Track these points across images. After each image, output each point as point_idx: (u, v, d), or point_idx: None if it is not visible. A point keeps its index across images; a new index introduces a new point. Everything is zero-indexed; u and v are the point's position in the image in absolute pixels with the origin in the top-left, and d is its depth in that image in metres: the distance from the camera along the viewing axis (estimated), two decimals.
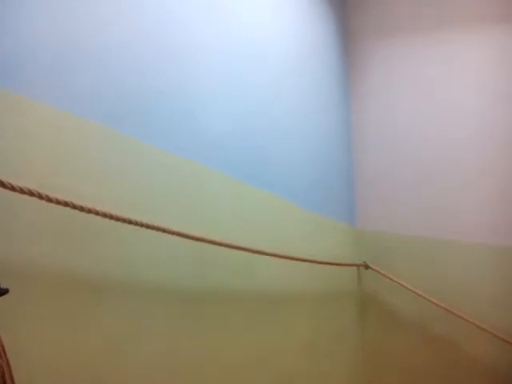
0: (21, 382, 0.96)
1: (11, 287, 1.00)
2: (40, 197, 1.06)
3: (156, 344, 1.44)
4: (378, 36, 2.73)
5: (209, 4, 1.77)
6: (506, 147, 2.35)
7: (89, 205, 1.18)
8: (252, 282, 1.87)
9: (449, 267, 2.42)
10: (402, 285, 2.43)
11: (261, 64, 2.03)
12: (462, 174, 2.44)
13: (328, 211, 2.45)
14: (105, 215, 1.21)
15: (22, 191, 1.03)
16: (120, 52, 1.42)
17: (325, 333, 2.31)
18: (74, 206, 1.13)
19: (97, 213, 1.19)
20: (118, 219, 1.25)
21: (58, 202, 1.10)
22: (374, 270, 2.56)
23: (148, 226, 1.34)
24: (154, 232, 1.38)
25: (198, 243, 1.54)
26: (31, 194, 1.05)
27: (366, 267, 2.60)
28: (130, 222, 1.28)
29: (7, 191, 1.02)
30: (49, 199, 1.08)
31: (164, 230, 1.39)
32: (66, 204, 1.11)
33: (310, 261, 2.12)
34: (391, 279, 2.48)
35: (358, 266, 2.61)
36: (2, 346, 0.90)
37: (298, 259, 2.02)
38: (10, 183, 1.00)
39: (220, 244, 1.61)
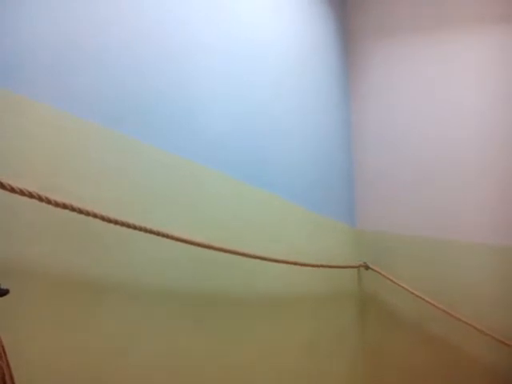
0: (21, 383, 0.97)
1: (11, 288, 1.00)
2: (40, 199, 1.06)
3: (156, 345, 1.44)
4: (378, 36, 2.73)
5: (209, 4, 1.78)
6: (505, 147, 2.35)
7: (88, 207, 1.17)
8: (252, 282, 1.87)
9: (449, 267, 2.42)
10: (401, 286, 2.43)
11: (261, 64, 2.03)
12: (462, 173, 2.44)
13: (328, 211, 2.45)
14: (103, 218, 1.21)
15: (21, 193, 1.03)
16: (120, 52, 1.42)
17: (325, 333, 2.31)
18: (73, 209, 1.13)
19: (95, 215, 1.19)
20: (116, 223, 1.25)
21: (56, 205, 1.10)
22: (374, 271, 2.56)
23: (147, 231, 1.33)
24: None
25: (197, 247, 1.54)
26: (31, 195, 1.05)
27: (366, 268, 2.60)
28: (128, 225, 1.28)
29: (7, 192, 1.02)
30: (48, 201, 1.07)
31: (164, 235, 1.39)
32: (64, 206, 1.11)
33: (311, 265, 2.12)
34: (391, 280, 2.48)
35: (358, 267, 2.60)
36: (2, 347, 0.90)
37: (298, 264, 2.02)
38: (9, 184, 1.00)
39: (219, 249, 1.61)
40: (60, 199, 1.11)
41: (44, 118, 1.20)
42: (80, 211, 1.15)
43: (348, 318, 2.56)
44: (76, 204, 1.14)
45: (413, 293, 2.38)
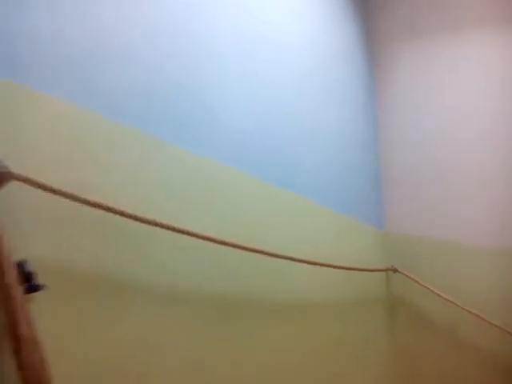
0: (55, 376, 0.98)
1: (46, 284, 1.03)
2: (72, 197, 1.08)
3: (182, 342, 1.45)
4: (402, 37, 2.71)
5: (234, 5, 1.78)
6: None
7: (117, 205, 1.19)
8: (279, 284, 1.86)
9: (475, 271, 2.38)
10: (430, 289, 2.39)
11: (284, 65, 2.02)
12: (488, 176, 2.40)
13: (356, 213, 2.43)
14: (134, 217, 1.23)
15: (53, 191, 1.05)
16: (144, 49, 1.42)
17: (353, 337, 2.29)
18: (109, 209, 1.15)
19: (130, 216, 1.21)
20: (161, 225, 1.26)
21: (89, 203, 1.12)
22: (403, 274, 2.53)
23: (184, 232, 1.35)
24: (184, 235, 1.39)
25: (225, 246, 1.54)
26: (66, 194, 1.07)
27: (395, 271, 2.56)
28: (161, 225, 1.30)
29: (40, 191, 1.04)
30: (76, 199, 1.09)
31: (194, 235, 1.40)
32: (98, 206, 1.13)
33: (338, 267, 2.11)
34: (419, 283, 2.44)
35: (386, 270, 2.57)
36: (38, 342, 0.91)
37: (325, 265, 2.01)
38: (43, 184, 1.02)
39: (246, 249, 1.60)
40: (92, 199, 1.13)
41: (67, 114, 1.21)
42: (115, 211, 1.17)
43: (376, 322, 2.53)
44: (106, 202, 1.16)
45: (441, 296, 2.34)
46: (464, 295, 2.35)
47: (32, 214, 1.10)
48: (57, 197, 1.08)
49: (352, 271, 2.25)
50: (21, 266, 0.98)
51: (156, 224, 1.28)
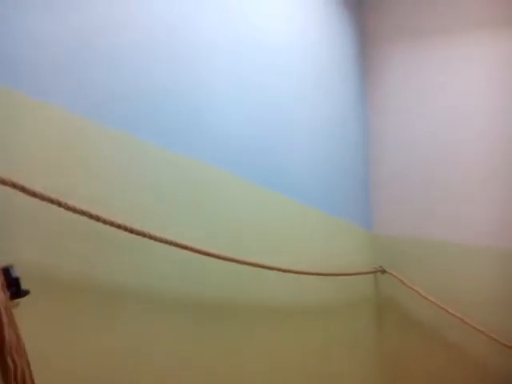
0: None
1: (30, 290, 1.03)
2: (59, 204, 1.09)
3: (170, 349, 1.47)
4: (394, 39, 2.72)
5: (220, 7, 1.75)
6: None
7: (101, 211, 1.20)
8: (267, 287, 1.88)
9: (465, 271, 2.41)
10: (417, 291, 2.42)
11: (274, 67, 2.00)
12: (475, 176, 2.42)
13: (345, 215, 2.45)
14: (116, 225, 1.23)
15: (36, 196, 1.06)
16: (131, 52, 1.41)
17: (340, 337, 2.31)
18: (91, 216, 1.15)
19: (111, 223, 1.21)
20: (130, 231, 1.27)
21: (75, 210, 1.12)
22: (391, 275, 2.55)
23: (157, 239, 1.35)
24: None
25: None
26: (51, 201, 1.08)
27: (383, 272, 2.59)
28: (143, 234, 1.30)
29: (25, 196, 1.05)
30: (68, 207, 1.10)
31: (174, 244, 1.41)
32: (82, 213, 1.14)
33: (328, 274, 2.13)
34: (407, 285, 2.47)
35: (374, 272, 2.59)
36: (23, 347, 0.93)
37: (314, 274, 2.03)
38: (24, 187, 1.03)
39: (230, 260, 1.61)
40: (73, 202, 1.13)
41: (54, 117, 1.21)
42: (98, 219, 1.17)
43: (364, 323, 2.55)
44: (90, 205, 1.17)
45: (427, 298, 2.37)
46: (452, 296, 2.37)
47: (20, 218, 1.11)
48: (45, 202, 1.09)
49: (340, 272, 2.27)
50: (7, 271, 0.99)
51: (144, 235, 1.29)
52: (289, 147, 2.06)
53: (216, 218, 1.68)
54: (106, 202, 1.29)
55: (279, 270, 1.81)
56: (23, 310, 1.04)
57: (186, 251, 1.48)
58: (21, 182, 1.03)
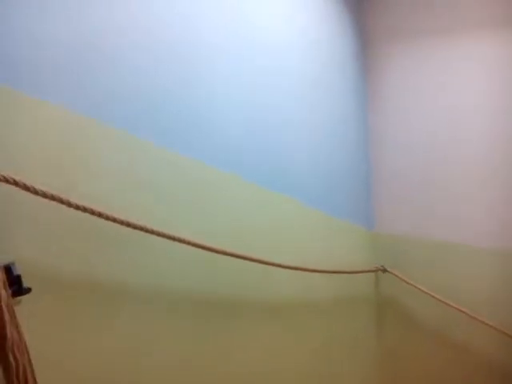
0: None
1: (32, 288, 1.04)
2: (60, 200, 1.10)
3: (170, 347, 1.47)
4: (395, 39, 2.72)
5: (222, 8, 1.76)
6: None
7: (101, 208, 1.20)
8: (267, 286, 1.88)
9: (465, 271, 2.41)
10: (419, 289, 2.42)
11: (274, 67, 2.01)
12: (476, 177, 2.42)
13: (346, 215, 2.45)
14: (119, 221, 1.24)
15: (36, 193, 1.06)
16: (132, 53, 1.42)
17: (341, 336, 2.31)
18: (93, 212, 1.16)
19: (114, 219, 1.22)
20: (134, 227, 1.28)
21: (70, 205, 1.13)
22: (392, 274, 2.56)
23: (160, 234, 1.36)
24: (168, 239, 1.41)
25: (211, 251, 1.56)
26: (52, 197, 1.08)
27: (384, 271, 2.59)
28: (145, 229, 1.31)
29: (24, 193, 1.06)
30: (69, 205, 1.11)
31: (177, 240, 1.41)
32: (83, 208, 1.14)
33: (329, 271, 2.13)
34: (409, 283, 2.47)
35: (375, 270, 2.60)
36: (25, 345, 0.93)
37: (315, 271, 2.03)
38: (24, 183, 1.04)
39: (234, 255, 1.62)
40: (75, 200, 1.14)
41: (54, 117, 1.22)
42: (100, 215, 1.18)
43: (365, 322, 2.55)
44: (90, 204, 1.17)
45: (434, 296, 2.36)
46: (453, 294, 2.37)
47: (21, 217, 1.12)
48: (46, 201, 1.09)
49: (343, 273, 2.27)
50: (8, 269, 0.99)
51: (146, 230, 1.30)
52: (289, 147, 2.06)
53: (216, 218, 1.68)
54: (106, 201, 1.29)
55: (279, 266, 1.81)
56: (24, 308, 1.05)
57: (186, 251, 1.48)
58: (22, 180, 1.03)
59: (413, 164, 2.62)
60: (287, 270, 1.91)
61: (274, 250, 1.86)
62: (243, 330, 1.76)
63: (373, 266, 2.59)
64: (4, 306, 0.90)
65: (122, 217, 1.25)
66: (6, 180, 1.00)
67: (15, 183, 1.01)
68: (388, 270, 2.58)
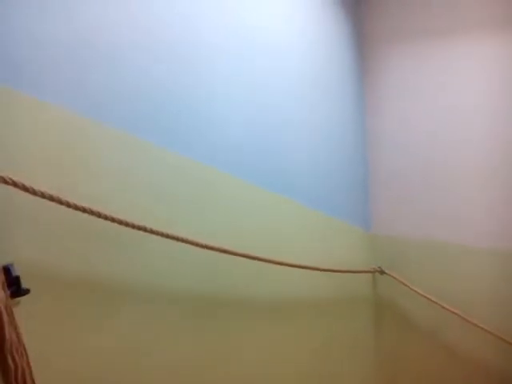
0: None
1: (29, 288, 1.03)
2: (60, 201, 1.09)
3: (169, 346, 1.47)
4: (393, 39, 2.72)
5: (222, 8, 1.75)
6: None
7: (101, 208, 1.20)
8: (266, 286, 1.88)
9: (463, 272, 2.40)
10: (416, 291, 2.41)
11: (273, 68, 2.00)
12: (476, 177, 2.42)
13: (344, 216, 2.45)
14: (121, 222, 1.24)
15: (35, 193, 1.06)
16: (131, 52, 1.41)
17: (339, 337, 2.31)
18: (93, 212, 1.16)
19: (112, 219, 1.22)
20: (132, 226, 1.28)
21: (68, 206, 1.12)
22: (390, 276, 2.55)
23: (162, 235, 1.36)
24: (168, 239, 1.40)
25: (210, 250, 1.55)
26: (51, 198, 1.08)
27: (381, 272, 2.59)
28: (144, 229, 1.31)
29: (23, 194, 1.05)
30: (69, 205, 1.10)
31: (178, 239, 1.41)
32: (84, 210, 1.14)
33: (326, 270, 2.13)
34: (406, 285, 2.46)
35: (373, 272, 2.60)
36: (23, 346, 0.93)
37: (314, 268, 2.03)
38: (23, 184, 1.03)
39: (233, 253, 1.62)
40: (74, 200, 1.14)
41: (54, 117, 1.21)
42: (99, 216, 1.18)
43: (362, 323, 2.55)
44: (90, 205, 1.17)
45: (429, 298, 2.36)
46: (453, 295, 2.37)
47: (20, 217, 1.11)
48: (45, 201, 1.09)
49: (340, 273, 2.27)
50: (7, 270, 0.99)
51: (146, 230, 1.29)
52: (288, 147, 2.06)
53: (216, 219, 1.68)
54: (105, 201, 1.29)
55: (279, 263, 1.82)
56: (23, 309, 1.04)
57: (185, 251, 1.48)
58: (21, 181, 1.03)
59: (412, 165, 2.62)
60: (287, 271, 1.91)
61: (272, 251, 1.86)
62: (243, 330, 1.76)
63: (370, 267, 2.58)
64: (2, 307, 0.90)
65: (122, 217, 1.25)
66: (5, 181, 0.99)
67: (14, 184, 1.01)
68: (386, 271, 2.57)
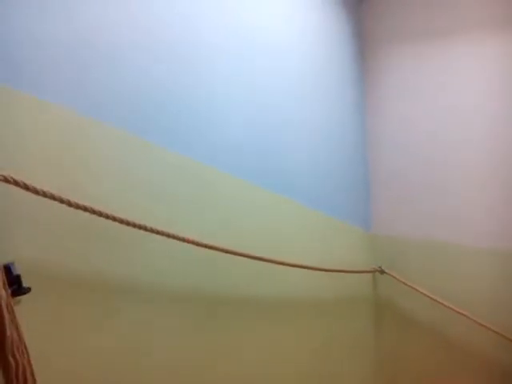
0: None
1: (31, 287, 1.04)
2: (61, 200, 1.10)
3: (170, 345, 1.47)
4: (394, 40, 2.72)
5: (222, 8, 1.75)
6: None
7: (102, 207, 1.21)
8: (266, 286, 1.88)
9: (463, 272, 2.40)
10: (417, 290, 2.42)
11: (274, 68, 2.01)
12: (476, 177, 2.42)
13: (344, 216, 2.45)
14: (121, 221, 1.24)
15: (37, 193, 1.06)
16: (131, 52, 1.41)
17: (339, 337, 2.31)
18: (93, 212, 1.16)
19: (113, 218, 1.22)
20: (133, 225, 1.28)
21: (70, 205, 1.13)
22: (390, 275, 2.55)
23: (163, 234, 1.36)
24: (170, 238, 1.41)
25: (212, 250, 1.56)
26: (53, 197, 1.08)
27: (382, 272, 2.59)
28: (145, 228, 1.31)
29: (25, 193, 1.06)
30: (70, 204, 1.11)
31: (178, 239, 1.41)
32: (85, 209, 1.14)
33: (327, 270, 2.13)
34: (406, 284, 2.47)
35: (373, 271, 2.60)
36: (24, 344, 0.93)
37: (314, 268, 2.03)
38: (25, 183, 1.04)
39: (234, 253, 1.62)
40: (75, 200, 1.14)
41: (54, 117, 1.22)
42: (101, 214, 1.18)
43: (363, 323, 2.55)
44: (91, 204, 1.17)
45: (431, 297, 2.36)
46: (453, 295, 2.37)
47: (21, 217, 1.12)
48: (46, 201, 1.09)
49: (340, 272, 2.27)
50: (8, 268, 0.99)
51: (146, 229, 1.30)
52: (288, 147, 2.06)
53: (216, 218, 1.68)
54: (105, 201, 1.29)
55: (279, 263, 1.82)
56: (24, 308, 1.05)
57: (185, 251, 1.48)
58: (21, 179, 1.04)
59: (412, 165, 2.62)
60: (287, 271, 1.91)
61: (272, 251, 1.86)
62: (243, 330, 1.76)
63: (370, 267, 2.59)
64: (4, 306, 0.90)
65: (122, 216, 1.25)
66: (6, 180, 1.00)
67: (15, 183, 1.01)
68: (386, 271, 2.58)
